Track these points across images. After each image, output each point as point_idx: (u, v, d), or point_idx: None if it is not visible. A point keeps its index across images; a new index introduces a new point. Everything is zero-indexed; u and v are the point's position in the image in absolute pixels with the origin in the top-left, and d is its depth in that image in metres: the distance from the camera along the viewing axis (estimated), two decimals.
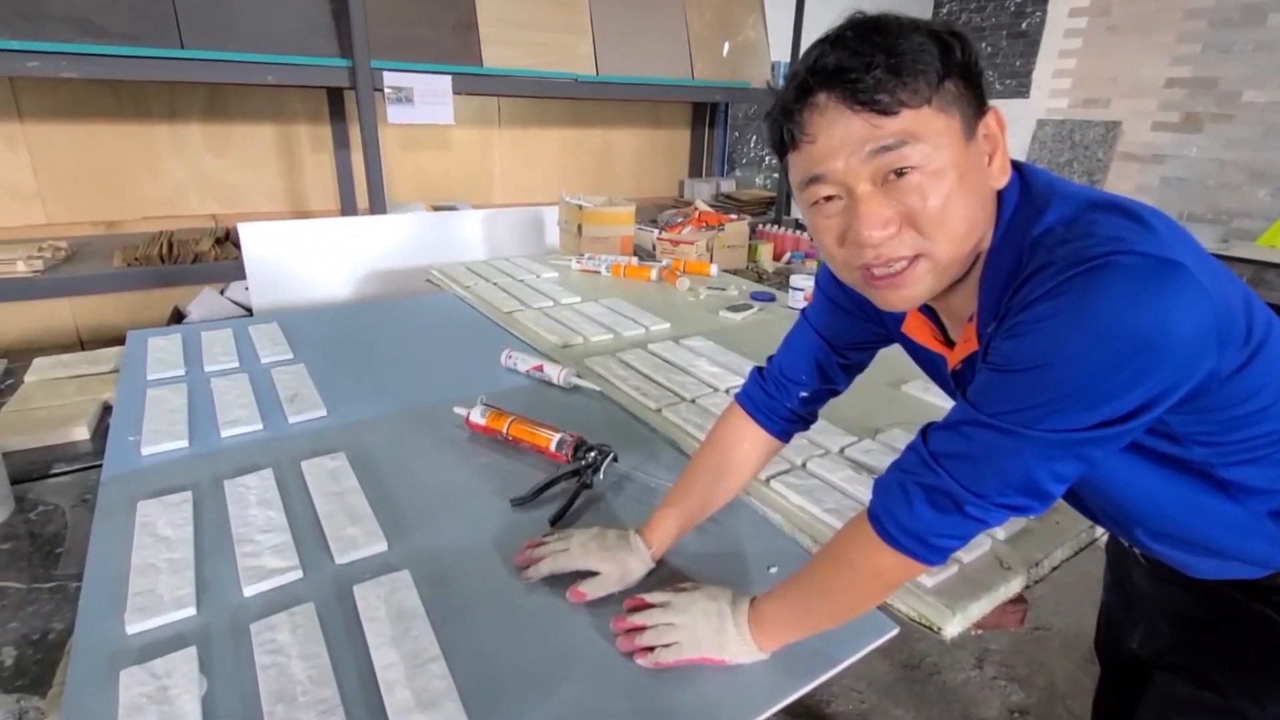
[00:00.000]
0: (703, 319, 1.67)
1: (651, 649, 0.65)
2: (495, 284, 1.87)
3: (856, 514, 0.62)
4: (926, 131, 0.53)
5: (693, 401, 1.17)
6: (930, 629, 0.71)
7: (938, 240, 0.55)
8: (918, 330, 0.70)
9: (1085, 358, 0.48)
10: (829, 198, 0.56)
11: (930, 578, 0.73)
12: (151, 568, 0.74)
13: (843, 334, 0.77)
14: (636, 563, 0.75)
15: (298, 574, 0.75)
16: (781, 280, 2.27)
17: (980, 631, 0.76)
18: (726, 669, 0.65)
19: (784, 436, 0.82)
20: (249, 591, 0.72)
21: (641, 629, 0.67)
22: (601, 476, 0.93)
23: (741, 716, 0.61)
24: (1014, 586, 0.76)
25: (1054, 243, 0.52)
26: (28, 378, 1.30)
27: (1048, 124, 4.65)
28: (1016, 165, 0.60)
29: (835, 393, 0.82)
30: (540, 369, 1.28)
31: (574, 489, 0.90)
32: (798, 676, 0.66)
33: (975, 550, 0.77)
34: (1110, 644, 0.78)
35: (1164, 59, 4.10)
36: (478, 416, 1.06)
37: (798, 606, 0.66)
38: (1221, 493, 0.59)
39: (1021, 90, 4.69)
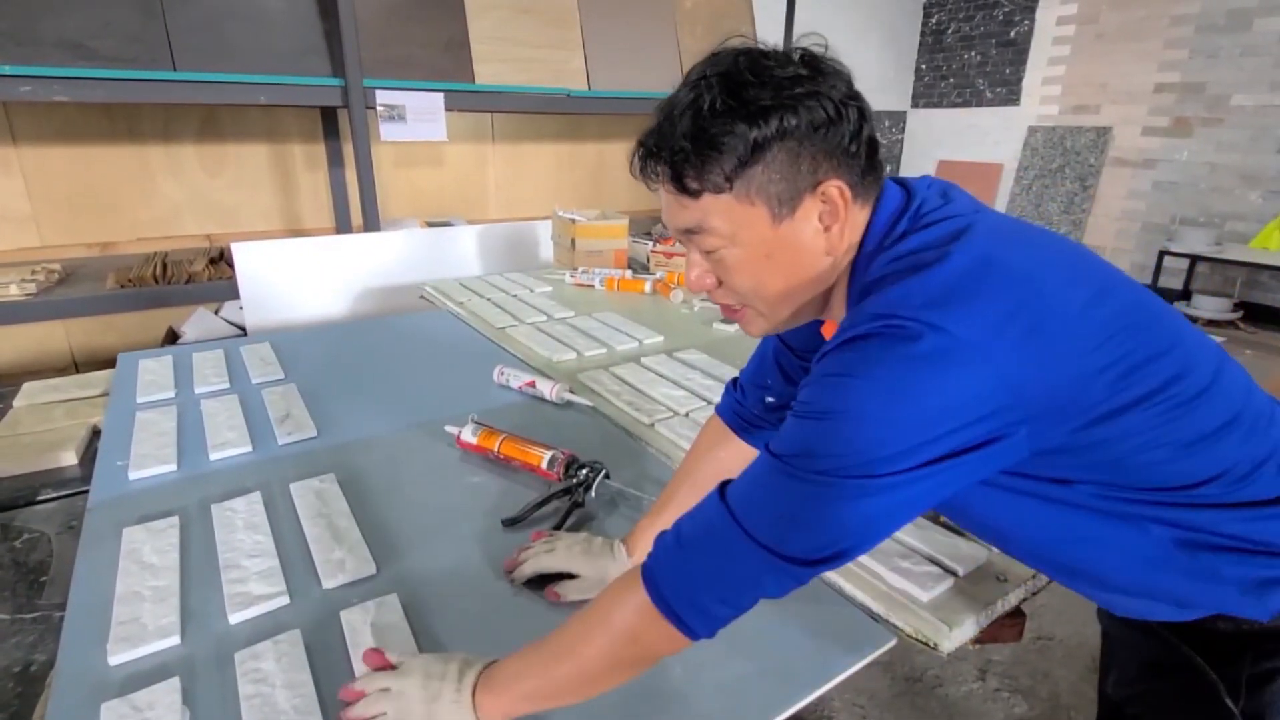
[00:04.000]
0: (696, 331, 1.67)
1: None
2: (489, 299, 1.87)
3: (632, 568, 0.57)
4: (725, 218, 0.56)
5: (686, 415, 1.17)
6: (927, 645, 0.70)
7: (753, 301, 0.61)
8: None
9: (856, 416, 0.48)
10: None
11: (926, 592, 0.72)
12: (136, 596, 0.73)
13: (796, 337, 0.76)
14: (616, 570, 0.75)
15: (284, 600, 0.74)
16: None
17: (978, 646, 0.75)
18: (721, 685, 0.64)
19: (757, 444, 0.81)
20: (235, 619, 0.71)
21: (360, 697, 0.59)
22: (594, 494, 0.92)
23: None
24: (1011, 600, 0.75)
25: (869, 287, 0.54)
26: (16, 402, 1.29)
27: (1039, 131, 4.68)
28: (903, 182, 0.60)
29: None
30: (533, 385, 1.28)
31: (566, 507, 0.89)
32: (795, 688, 0.65)
33: (971, 563, 0.76)
34: (1100, 686, 0.77)
35: (1152, 65, 4.13)
36: (469, 435, 1.05)
37: (537, 668, 0.57)
38: (1120, 523, 0.56)
39: (1012, 98, 4.73)
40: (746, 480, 0.54)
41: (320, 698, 0.61)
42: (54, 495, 1.03)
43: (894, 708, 1.53)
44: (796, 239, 0.56)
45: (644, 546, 0.77)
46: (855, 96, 0.56)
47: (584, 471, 0.93)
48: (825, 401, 0.50)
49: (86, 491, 0.97)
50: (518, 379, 1.30)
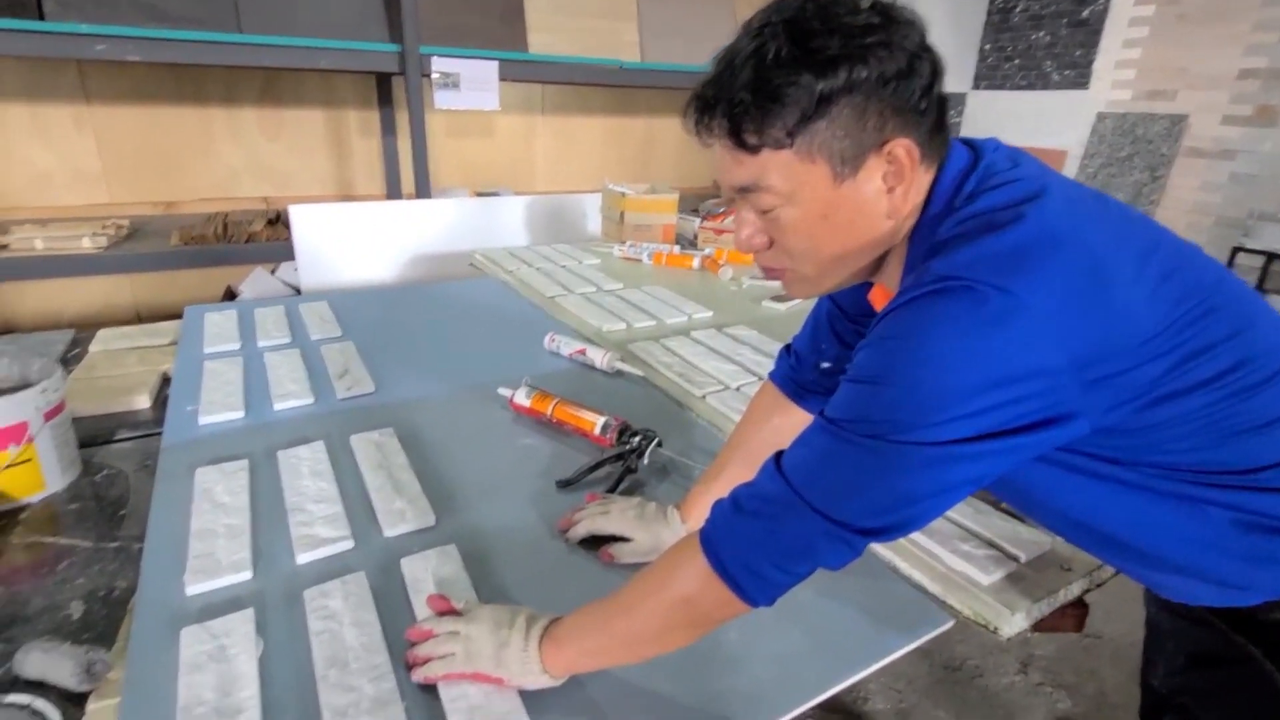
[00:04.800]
0: (745, 308, 1.65)
1: (420, 663, 0.59)
2: (538, 269, 1.88)
3: (690, 534, 0.57)
4: (784, 176, 0.53)
5: (736, 389, 1.16)
6: (986, 628, 0.69)
7: (801, 264, 0.59)
8: (880, 303, 0.68)
9: (914, 380, 0.47)
10: None
11: (986, 575, 0.71)
12: (210, 532, 0.76)
13: (849, 301, 0.74)
14: (670, 535, 0.75)
15: (349, 544, 0.76)
16: None
17: (1033, 634, 0.73)
18: (775, 655, 0.64)
19: (813, 409, 0.80)
20: (302, 559, 0.74)
21: (428, 637, 0.61)
22: (646, 461, 0.92)
23: (788, 702, 0.60)
24: (1074, 590, 0.73)
25: (936, 248, 0.51)
26: (92, 348, 1.35)
27: (1108, 117, 4.46)
28: (969, 142, 0.58)
29: None
30: (583, 353, 1.28)
31: (619, 473, 0.89)
32: (848, 664, 0.64)
33: (1034, 549, 0.75)
34: (1143, 679, 0.74)
35: (1238, 49, 3.89)
36: (522, 398, 1.06)
37: (599, 625, 0.58)
38: (1179, 504, 0.54)
39: (1081, 81, 4.51)
40: (801, 447, 0.53)
41: (385, 636, 0.63)
42: (130, 436, 1.08)
43: (931, 694, 1.51)
44: (858, 200, 0.54)
45: (698, 513, 0.77)
46: (928, 49, 0.52)
47: (637, 439, 0.94)
48: (882, 364, 0.48)
49: (159, 433, 1.01)
50: (568, 346, 1.31)
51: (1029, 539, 0.76)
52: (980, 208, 0.52)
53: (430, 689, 0.58)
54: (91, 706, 0.59)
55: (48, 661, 0.62)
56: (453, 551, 0.75)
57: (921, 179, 0.55)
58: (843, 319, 0.75)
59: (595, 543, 0.77)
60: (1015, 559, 0.74)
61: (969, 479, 0.49)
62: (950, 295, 0.47)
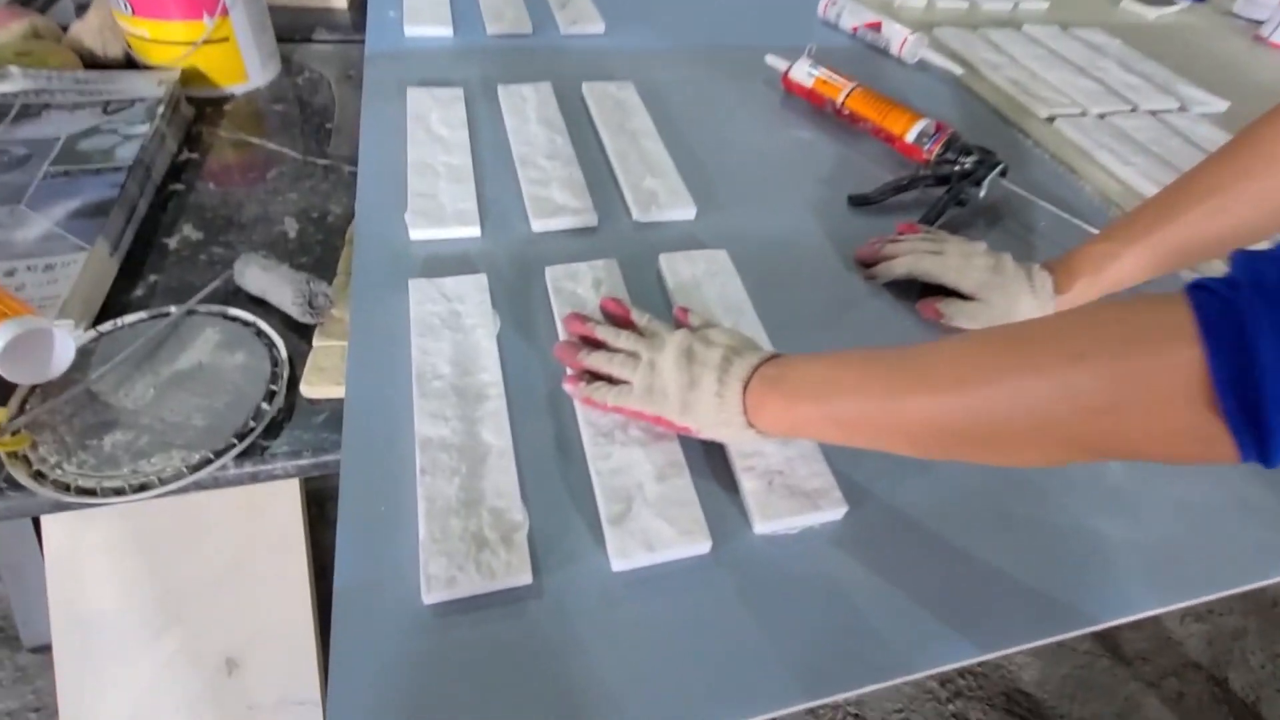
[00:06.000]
0: (1097, 7, 1.16)
1: (592, 379, 0.44)
2: None
3: (1158, 297, 0.28)
4: None
5: (1100, 117, 0.81)
6: None
7: None
8: None
9: None
10: None
11: None
12: (428, 168, 0.61)
13: None
14: (1032, 306, 0.52)
15: (592, 219, 0.59)
16: None
17: None
18: (1139, 544, 0.45)
19: None
20: (537, 226, 0.58)
21: (596, 346, 0.45)
22: (983, 193, 0.65)
23: (1156, 600, 0.42)
24: None
25: None
26: None
27: None
28: None
29: None
30: (877, 28, 0.93)
31: (941, 202, 0.64)
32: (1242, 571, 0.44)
33: None
34: None
35: None
36: (802, 75, 0.78)
37: (875, 387, 0.35)
38: None
39: None
40: None
41: None
42: (329, 39, 0.92)
43: None
44: None
45: (1085, 285, 0.53)
46: None
47: (969, 159, 0.66)
48: None
49: (360, 41, 0.83)
50: (854, 16, 0.95)
51: None
52: None
53: None
54: (318, 343, 0.51)
55: (268, 280, 0.53)
56: (723, 259, 0.56)
57: None
58: None
59: (910, 290, 0.56)
60: None
61: None
62: None
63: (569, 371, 0.45)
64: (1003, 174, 0.66)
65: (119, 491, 0.42)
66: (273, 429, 0.47)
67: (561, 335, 0.49)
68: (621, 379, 0.43)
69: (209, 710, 0.77)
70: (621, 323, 0.47)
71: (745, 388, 0.39)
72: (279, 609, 0.78)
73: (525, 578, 0.37)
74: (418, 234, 0.56)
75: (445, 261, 0.54)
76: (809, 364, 0.39)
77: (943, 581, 0.40)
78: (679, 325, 0.48)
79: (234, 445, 0.45)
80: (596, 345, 0.45)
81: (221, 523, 0.74)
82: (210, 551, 0.74)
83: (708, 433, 0.41)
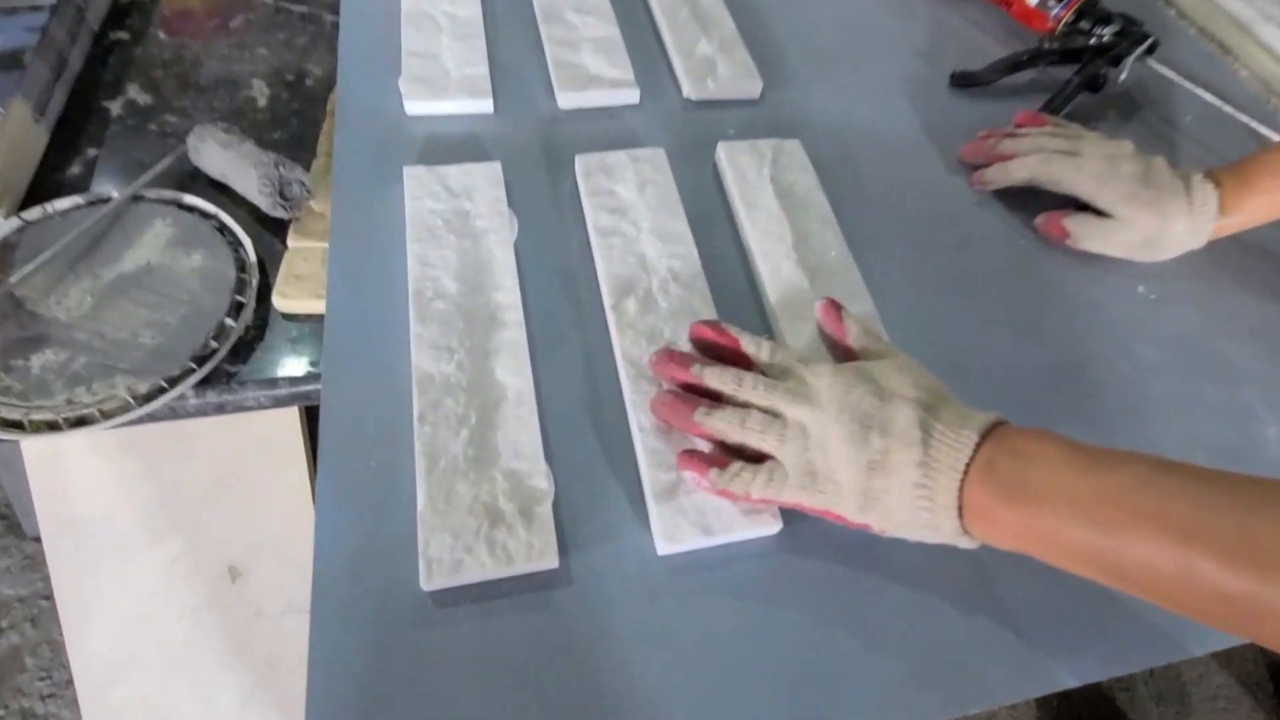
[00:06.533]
0: None
1: (711, 463, 0.30)
2: None
3: None
4: None
5: None
6: None
7: None
8: None
9: None
10: None
11: None
12: (428, 20, 0.48)
13: None
14: (1188, 230, 0.41)
15: (632, 95, 0.47)
16: None
17: None
18: None
19: None
20: (565, 101, 0.47)
21: (715, 400, 0.31)
22: (1124, 75, 0.52)
23: None
24: None
25: None
26: None
27: None
28: None
29: None
30: None
31: (1071, 84, 0.51)
32: None
33: None
34: None
35: None
36: None
37: (1197, 521, 0.22)
38: None
39: None
40: None
41: (703, 258, 0.39)
42: None
43: None
44: None
45: (1262, 205, 0.41)
46: None
47: (1108, 29, 0.52)
48: None
49: None
50: None
51: None
52: None
53: None
54: (294, 244, 0.42)
55: (227, 161, 0.42)
56: (796, 152, 0.45)
57: None
58: None
59: (1030, 201, 0.45)
60: None
61: None
62: None
63: (682, 450, 0.31)
64: (1150, 50, 0.52)
65: (52, 426, 0.34)
66: (240, 351, 0.38)
67: (612, 316, 0.36)
68: (762, 451, 0.30)
69: (214, 616, 0.74)
70: (729, 357, 0.32)
71: (963, 480, 0.27)
72: (280, 518, 0.74)
73: (550, 561, 0.29)
74: (414, 107, 0.44)
75: (449, 144, 0.43)
76: (1063, 460, 0.25)
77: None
78: (829, 340, 0.34)
79: (192, 371, 0.37)
80: (705, 393, 0.32)
81: (215, 429, 0.68)
82: (204, 459, 0.69)
83: (898, 533, 0.29)
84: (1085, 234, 0.43)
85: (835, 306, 0.34)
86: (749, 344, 0.32)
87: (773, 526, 0.31)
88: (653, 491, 0.31)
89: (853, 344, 0.33)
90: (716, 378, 0.31)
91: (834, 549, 0.31)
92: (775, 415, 0.29)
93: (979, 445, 0.27)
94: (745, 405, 0.30)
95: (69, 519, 0.70)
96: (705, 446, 0.32)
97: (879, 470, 0.27)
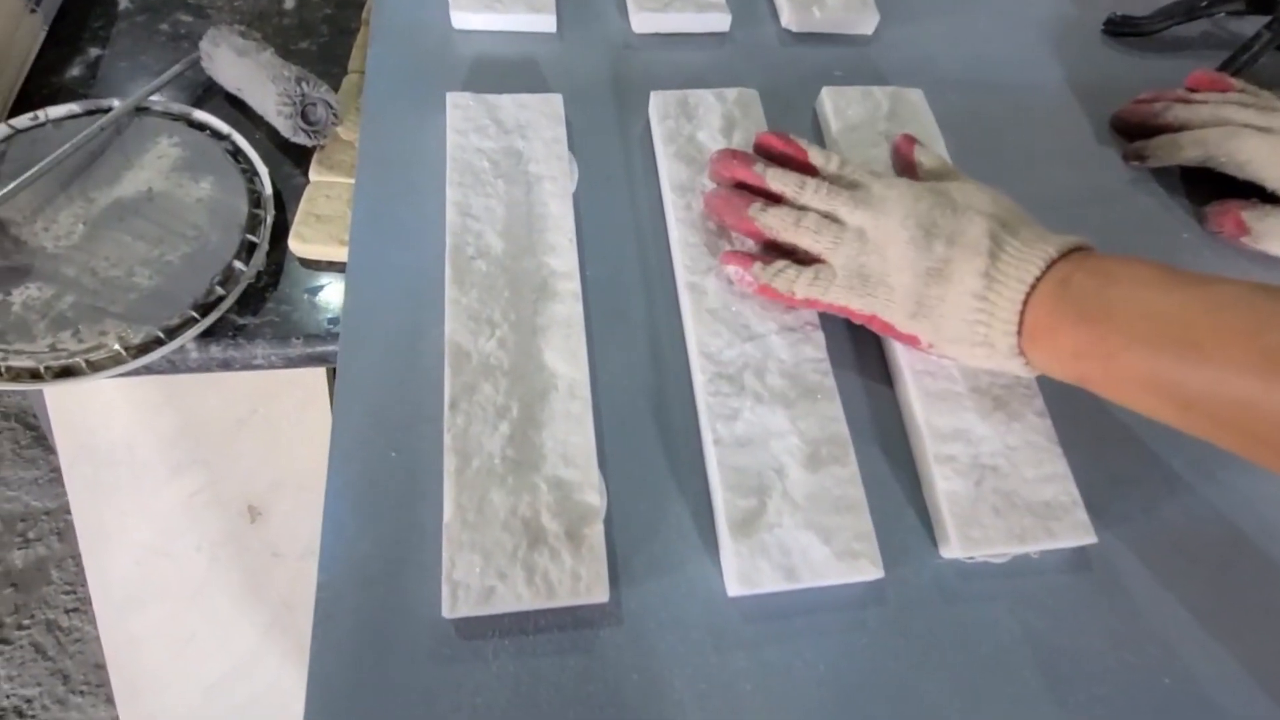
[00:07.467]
0: None
1: (756, 259, 0.29)
2: None
3: None
4: None
5: None
6: None
7: None
8: None
9: None
10: None
11: None
12: None
13: None
14: None
15: (723, 20, 0.39)
16: None
17: None
18: None
19: None
20: (640, 25, 0.39)
21: (772, 200, 0.29)
22: None
23: None
24: None
25: None
26: None
27: None
28: None
29: None
30: None
31: (1260, 39, 0.41)
32: None
33: None
34: None
35: None
36: None
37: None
38: None
39: None
40: None
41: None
42: None
43: None
44: None
45: None
46: None
47: None
48: None
49: None
50: None
51: None
52: None
53: None
54: (316, 178, 0.36)
55: (243, 70, 0.36)
56: (917, 102, 0.37)
57: None
58: None
59: (1199, 184, 0.37)
60: None
61: None
62: None
63: (726, 246, 0.30)
64: None
65: (34, 375, 0.30)
66: (250, 300, 0.33)
67: (686, 296, 0.30)
68: (814, 254, 0.28)
69: (232, 553, 0.73)
70: (796, 167, 0.30)
71: (1029, 295, 0.24)
72: (301, 459, 0.71)
73: (599, 596, 0.24)
74: (463, 20, 0.37)
75: (502, 68, 0.36)
76: (1153, 279, 0.23)
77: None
78: (902, 164, 0.33)
79: (193, 321, 0.31)
80: (767, 197, 0.30)
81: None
82: (228, 393, 0.66)
83: (948, 350, 0.27)
84: (1269, 232, 0.35)
85: (912, 139, 0.33)
86: (817, 155, 0.30)
87: (871, 572, 0.25)
88: (728, 521, 0.25)
89: (926, 164, 0.32)
90: (779, 179, 0.29)
91: (943, 597, 0.26)
92: (833, 220, 0.28)
93: (1054, 263, 0.24)
94: (803, 209, 0.29)
95: (88, 445, 0.68)
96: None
97: (937, 278, 0.26)
